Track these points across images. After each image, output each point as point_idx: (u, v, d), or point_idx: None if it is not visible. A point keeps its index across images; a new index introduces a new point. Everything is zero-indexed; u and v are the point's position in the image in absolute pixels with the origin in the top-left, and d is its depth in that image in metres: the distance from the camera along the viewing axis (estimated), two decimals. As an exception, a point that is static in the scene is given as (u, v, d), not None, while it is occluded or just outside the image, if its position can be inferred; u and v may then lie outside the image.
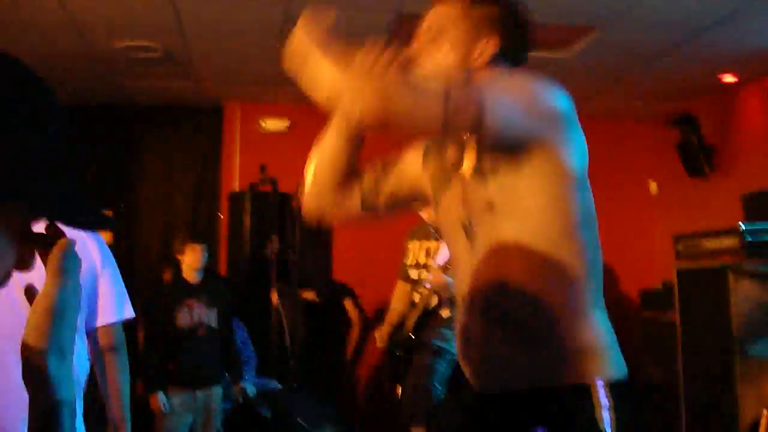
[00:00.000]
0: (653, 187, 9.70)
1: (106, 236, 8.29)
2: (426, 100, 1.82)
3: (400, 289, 5.75)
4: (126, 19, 6.37)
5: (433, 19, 2.19)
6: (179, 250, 6.49)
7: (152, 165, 9.02)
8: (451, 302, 5.15)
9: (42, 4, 5.93)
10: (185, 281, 6.44)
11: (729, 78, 7.93)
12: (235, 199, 8.00)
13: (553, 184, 1.99)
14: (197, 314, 6.34)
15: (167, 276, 7.39)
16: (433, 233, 5.47)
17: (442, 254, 5.25)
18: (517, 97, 1.94)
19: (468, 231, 2.10)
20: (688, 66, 7.44)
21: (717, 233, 6.29)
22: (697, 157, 8.61)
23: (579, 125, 2.05)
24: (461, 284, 2.16)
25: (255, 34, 6.78)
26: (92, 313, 3.00)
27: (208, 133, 9.14)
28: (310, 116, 9.42)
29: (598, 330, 2.02)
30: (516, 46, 2.16)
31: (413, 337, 5.39)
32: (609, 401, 1.93)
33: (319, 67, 1.94)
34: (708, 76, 7.81)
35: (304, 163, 8.09)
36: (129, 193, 8.87)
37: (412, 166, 2.32)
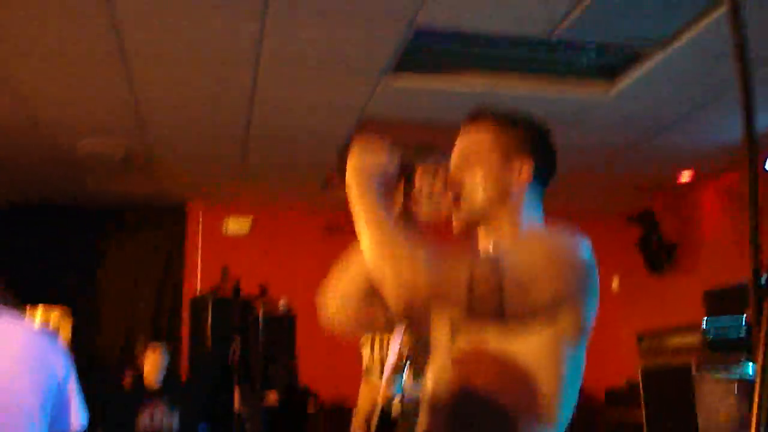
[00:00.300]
0: (615, 283, 9.75)
1: (64, 335, 8.20)
2: (449, 287, 1.85)
3: (363, 388, 5.69)
4: (90, 122, 6.40)
5: (465, 145, 2.17)
6: (140, 352, 6.42)
7: (114, 266, 8.93)
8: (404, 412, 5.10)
9: (4, 104, 5.94)
10: (147, 385, 6.34)
11: (686, 175, 8.07)
12: (197, 302, 7.93)
13: (558, 335, 1.97)
14: (158, 418, 6.23)
15: (128, 379, 7.28)
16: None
17: (390, 359, 5.18)
18: (540, 269, 1.92)
19: (454, 326, 2.08)
20: (647, 164, 7.58)
21: (680, 330, 6.32)
22: (658, 254, 8.69)
23: (597, 279, 2.04)
24: (430, 380, 2.13)
25: (218, 137, 6.83)
26: (58, 421, 2.91)
27: (171, 233, 9.10)
28: (273, 218, 9.41)
29: None
30: (547, 167, 2.16)
31: None
32: None
33: (361, 222, 1.95)
34: (666, 173, 7.95)
35: (265, 265, 8.07)
36: (91, 294, 8.76)
37: None
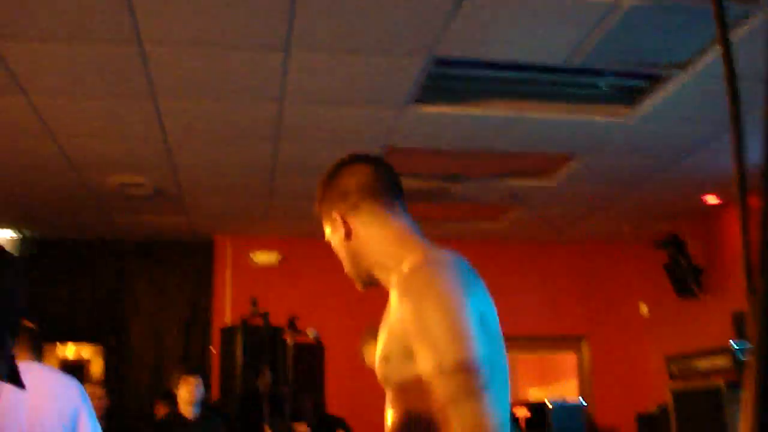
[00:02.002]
0: (644, 308, 9.72)
1: (97, 367, 8.28)
2: None
3: None
4: (119, 157, 6.50)
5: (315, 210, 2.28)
6: (175, 383, 6.45)
7: (144, 299, 9.03)
8: None
9: (34, 140, 6.06)
10: (182, 416, 6.37)
11: (712, 199, 8.06)
12: (227, 332, 7.98)
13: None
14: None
15: (160, 411, 7.31)
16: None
17: None
18: (419, 333, 1.93)
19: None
20: (672, 189, 7.58)
21: (709, 353, 6.31)
22: (686, 278, 8.66)
23: (475, 283, 2.05)
24: None
25: (244, 170, 6.91)
26: None
27: (200, 267, 9.19)
28: (300, 249, 9.42)
29: None
30: (369, 193, 2.18)
31: None
32: None
33: None
34: (691, 197, 7.93)
35: (295, 295, 8.13)
36: (121, 328, 8.86)
37: None
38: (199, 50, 4.70)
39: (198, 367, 6.87)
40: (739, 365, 5.90)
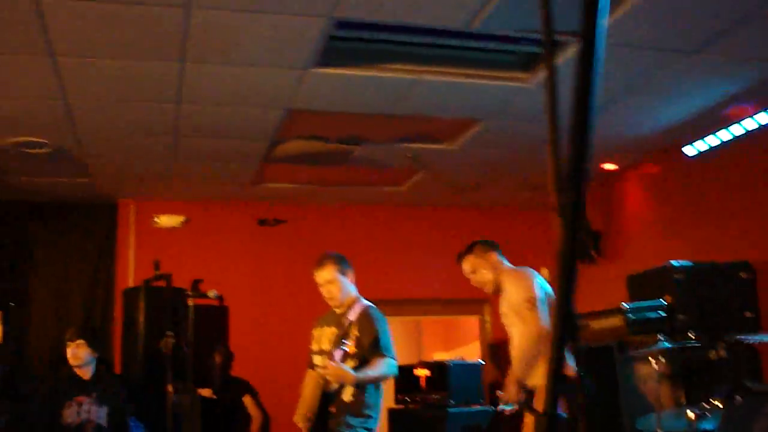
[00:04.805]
0: (545, 273, 9.91)
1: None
2: None
3: (307, 377, 5.64)
4: (17, 116, 6.37)
5: None
6: (64, 347, 6.43)
7: (45, 262, 8.87)
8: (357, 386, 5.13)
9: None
10: (77, 376, 6.33)
11: (609, 166, 8.27)
12: (129, 295, 7.91)
13: None
14: (85, 411, 6.22)
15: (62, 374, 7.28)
16: (337, 320, 5.40)
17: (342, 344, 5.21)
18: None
19: None
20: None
21: (602, 314, 6.49)
22: (585, 244, 8.88)
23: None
24: None
25: (147, 131, 6.84)
26: None
27: (102, 229, 9.07)
28: (204, 212, 9.35)
29: None
30: None
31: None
32: None
33: None
34: (590, 164, 8.11)
35: (198, 258, 8.15)
36: (21, 291, 8.70)
37: None
38: (96, 5, 4.63)
39: (82, 331, 6.78)
40: (630, 325, 6.09)
